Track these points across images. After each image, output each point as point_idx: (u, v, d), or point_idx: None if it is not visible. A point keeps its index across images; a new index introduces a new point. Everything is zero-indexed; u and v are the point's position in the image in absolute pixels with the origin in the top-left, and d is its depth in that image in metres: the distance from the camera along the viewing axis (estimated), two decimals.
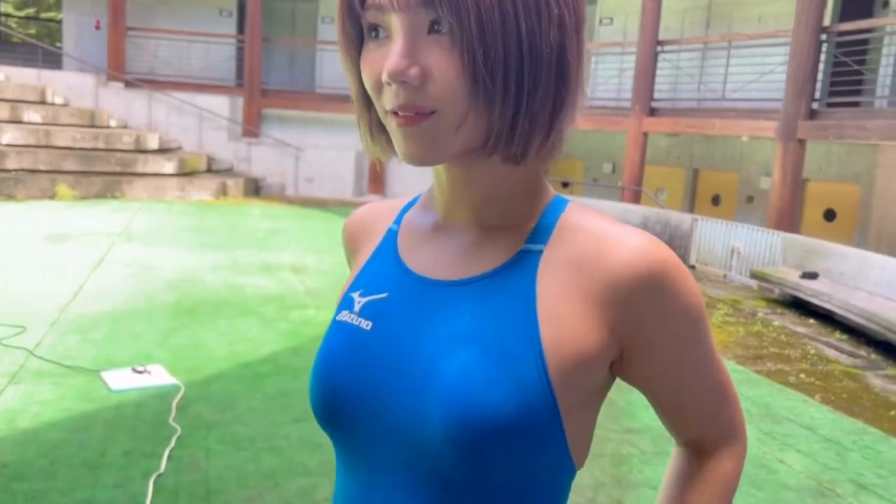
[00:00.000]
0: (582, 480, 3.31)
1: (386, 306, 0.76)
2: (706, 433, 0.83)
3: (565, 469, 0.73)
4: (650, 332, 0.71)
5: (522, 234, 0.74)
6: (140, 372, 4.14)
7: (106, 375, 4.09)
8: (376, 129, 0.73)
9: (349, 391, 0.73)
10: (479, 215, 0.75)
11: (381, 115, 0.69)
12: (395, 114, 0.66)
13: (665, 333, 0.72)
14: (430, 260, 0.76)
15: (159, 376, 4.12)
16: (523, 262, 0.72)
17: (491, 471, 0.68)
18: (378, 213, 0.86)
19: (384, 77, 0.64)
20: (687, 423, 0.82)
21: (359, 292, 0.79)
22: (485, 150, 0.69)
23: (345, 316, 0.78)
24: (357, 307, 0.77)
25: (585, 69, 0.72)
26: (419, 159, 0.68)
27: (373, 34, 0.67)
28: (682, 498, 0.82)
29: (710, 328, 0.78)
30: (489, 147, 0.68)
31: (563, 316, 0.70)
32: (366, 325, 0.75)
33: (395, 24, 0.64)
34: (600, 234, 0.71)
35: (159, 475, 3.07)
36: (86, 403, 3.77)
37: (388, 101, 0.66)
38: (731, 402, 0.83)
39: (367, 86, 0.69)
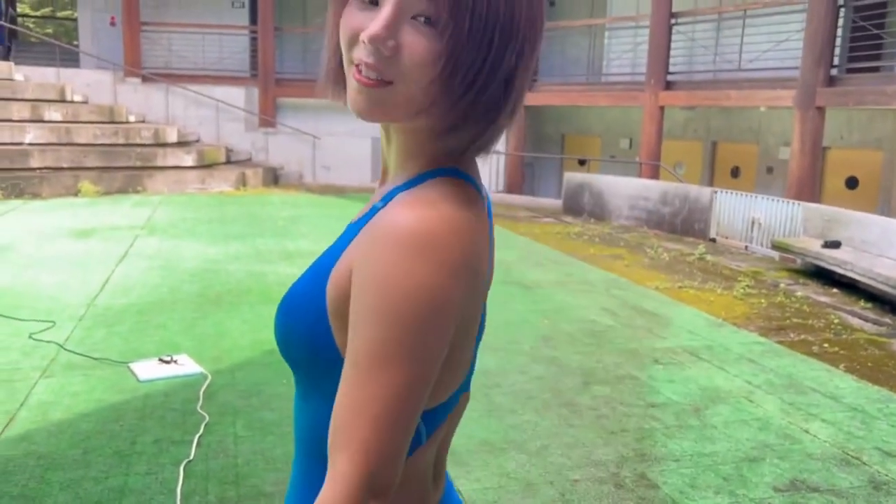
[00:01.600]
0: (605, 455, 3.34)
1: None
2: (330, 428, 0.74)
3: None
4: (355, 286, 0.74)
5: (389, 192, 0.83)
6: (167, 362, 4.22)
7: (134, 366, 4.18)
8: (334, 74, 0.83)
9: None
10: (395, 166, 0.84)
11: (345, 62, 0.78)
12: (359, 69, 0.75)
13: (357, 293, 0.73)
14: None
15: (186, 365, 4.20)
16: (368, 216, 0.81)
17: (299, 356, 0.83)
18: None
19: (364, 36, 0.73)
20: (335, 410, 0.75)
21: None
22: (432, 133, 0.78)
23: None
24: None
25: (526, 92, 0.80)
26: (361, 114, 0.77)
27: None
28: None
29: (409, 327, 0.69)
30: (437, 134, 0.78)
31: (344, 259, 0.79)
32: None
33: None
34: (408, 201, 0.75)
35: (189, 461, 3.15)
36: (115, 394, 3.86)
37: (356, 55, 0.75)
38: (363, 419, 0.70)
39: (343, 35, 0.77)
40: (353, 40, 0.75)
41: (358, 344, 0.71)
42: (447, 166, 0.80)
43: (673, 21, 11.75)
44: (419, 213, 0.72)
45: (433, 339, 0.71)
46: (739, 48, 11.19)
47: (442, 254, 0.71)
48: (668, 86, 11.77)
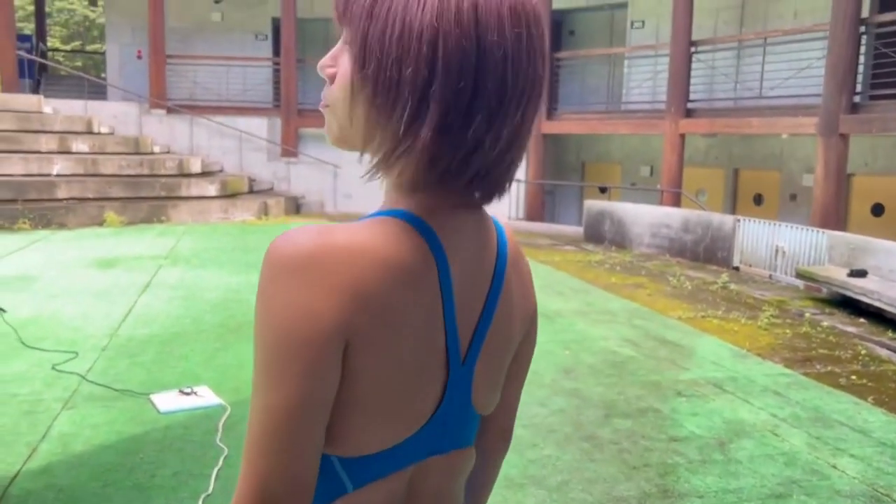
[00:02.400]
0: (627, 491, 3.28)
1: None
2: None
3: None
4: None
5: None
6: (187, 393, 4.23)
7: (155, 398, 4.20)
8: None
9: None
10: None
11: None
12: None
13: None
14: None
15: (206, 397, 4.21)
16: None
17: None
18: None
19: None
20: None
21: None
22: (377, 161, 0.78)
23: None
24: None
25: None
26: (327, 137, 0.83)
27: None
28: None
29: (277, 347, 0.70)
30: (382, 171, 0.78)
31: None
32: None
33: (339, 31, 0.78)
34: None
35: (208, 495, 3.14)
36: (136, 426, 3.87)
37: None
38: (250, 443, 0.73)
39: None
40: None
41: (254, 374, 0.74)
42: (398, 208, 0.78)
43: (693, 49, 11.77)
44: (300, 236, 0.71)
45: (302, 359, 0.69)
46: (760, 75, 11.17)
47: (314, 274, 0.69)
48: (689, 113, 11.75)
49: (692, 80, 11.85)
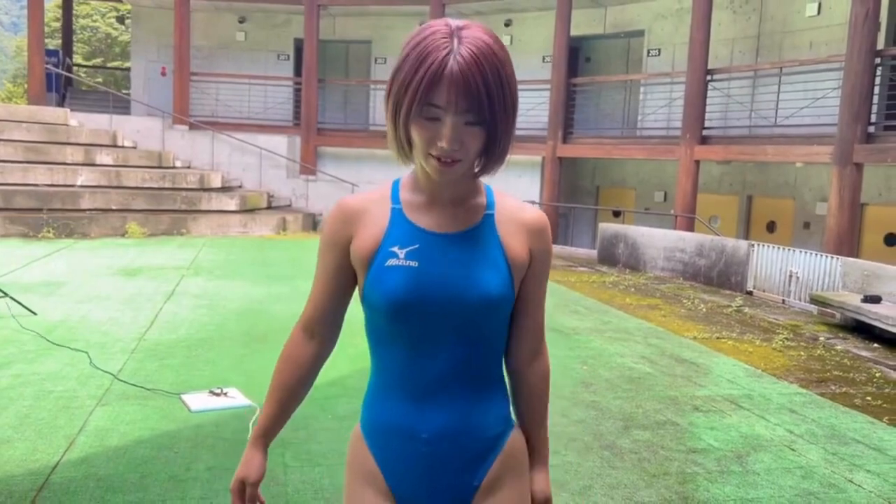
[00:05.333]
0: (648, 497, 3.37)
1: (420, 251, 1.31)
2: (535, 347, 1.43)
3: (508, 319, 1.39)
4: (540, 255, 1.37)
5: (481, 204, 1.35)
6: (217, 394, 4.36)
7: (186, 398, 4.32)
8: (404, 152, 1.29)
9: (420, 297, 1.29)
10: (456, 197, 1.33)
11: (423, 153, 1.24)
12: (438, 159, 1.23)
13: (543, 260, 1.38)
14: (433, 223, 1.32)
15: (236, 398, 4.33)
16: (487, 220, 1.34)
17: (492, 319, 1.33)
18: (364, 202, 1.37)
19: (442, 144, 1.20)
20: (530, 334, 1.42)
21: (396, 247, 1.31)
22: (476, 177, 1.33)
23: (394, 262, 1.30)
24: (402, 255, 1.30)
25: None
26: (446, 179, 1.27)
27: (428, 117, 1.20)
28: (539, 403, 1.47)
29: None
30: (476, 174, 1.32)
31: (512, 244, 1.34)
32: (413, 264, 1.30)
33: (449, 119, 1.19)
34: (516, 203, 1.39)
35: None
36: (169, 423, 3.99)
37: (433, 151, 1.22)
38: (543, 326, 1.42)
39: (420, 140, 1.22)
40: (431, 143, 1.21)
41: (546, 284, 1.44)
42: (483, 183, 1.39)
43: (709, 78, 11.94)
44: (535, 207, 1.42)
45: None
46: (776, 104, 11.31)
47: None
48: (704, 140, 11.90)
49: (707, 108, 12.01)
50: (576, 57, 15.74)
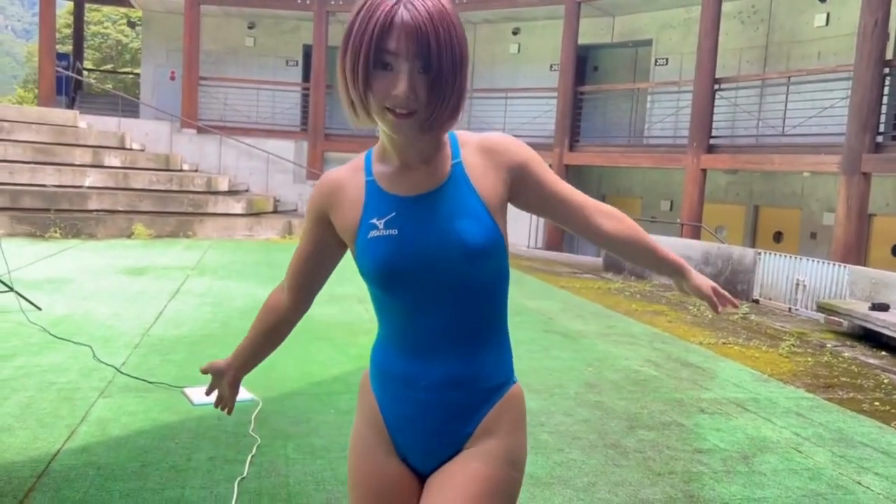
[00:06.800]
0: (653, 495, 3.33)
1: (398, 218, 1.33)
2: (605, 212, 1.46)
3: (507, 269, 1.39)
4: (523, 170, 1.38)
5: (447, 156, 1.35)
6: None
7: (188, 391, 4.30)
8: (363, 111, 1.27)
9: (405, 263, 1.31)
10: (422, 156, 1.33)
11: (378, 108, 1.23)
12: (393, 112, 1.22)
13: (532, 170, 1.39)
14: (405, 187, 1.34)
15: (238, 392, 4.30)
16: (456, 170, 1.34)
17: (483, 270, 1.33)
18: (343, 177, 1.41)
19: (395, 93, 1.20)
20: (585, 210, 1.43)
21: (375, 218, 1.34)
22: (431, 131, 1.27)
23: (375, 233, 1.33)
24: (381, 226, 1.33)
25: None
26: (403, 134, 1.26)
27: (382, 67, 1.21)
28: (645, 241, 1.50)
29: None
30: (434, 130, 1.27)
31: (486, 185, 1.34)
32: (393, 232, 1.32)
33: (402, 65, 1.20)
34: (476, 138, 1.37)
35: (242, 478, 3.22)
36: (170, 415, 3.97)
37: (389, 101, 1.22)
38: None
39: (375, 93, 1.22)
40: (386, 95, 1.21)
41: (552, 175, 1.46)
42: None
43: (716, 87, 11.93)
44: (498, 133, 1.40)
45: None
46: (783, 114, 11.29)
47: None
48: (711, 149, 11.88)
49: (715, 117, 12.00)
50: (583, 65, 15.76)
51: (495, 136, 1.38)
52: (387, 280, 1.32)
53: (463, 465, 1.35)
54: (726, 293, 1.59)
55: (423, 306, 1.34)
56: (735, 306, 1.60)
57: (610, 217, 1.47)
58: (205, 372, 1.67)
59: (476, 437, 1.37)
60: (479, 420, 1.37)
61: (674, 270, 1.57)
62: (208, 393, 1.73)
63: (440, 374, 1.36)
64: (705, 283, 1.57)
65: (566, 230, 1.54)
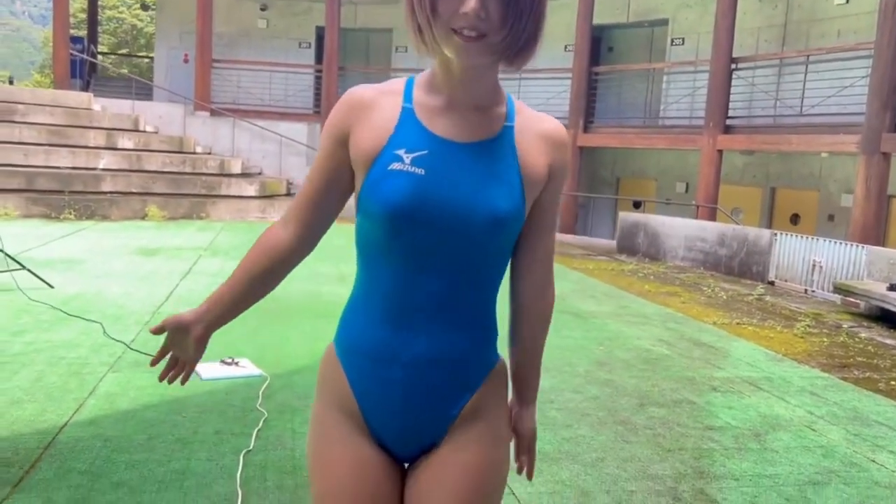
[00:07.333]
0: (662, 470, 3.28)
1: (428, 159, 1.19)
2: (544, 278, 1.34)
3: (511, 250, 1.30)
4: (559, 171, 1.28)
5: (501, 114, 1.24)
6: (228, 363, 4.33)
7: (197, 366, 4.28)
8: (430, 37, 1.15)
9: (424, 211, 1.18)
10: (475, 100, 1.22)
11: (444, 30, 1.12)
12: (461, 34, 1.11)
13: (562, 176, 1.29)
14: (447, 129, 1.21)
15: (247, 368, 4.31)
16: (505, 133, 1.23)
17: (496, 241, 1.22)
18: (373, 96, 1.24)
19: (465, 10, 1.08)
20: (539, 263, 1.32)
21: (403, 150, 1.19)
22: (503, 59, 1.16)
23: (398, 166, 1.18)
24: (407, 160, 1.18)
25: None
26: (470, 61, 1.15)
27: None
28: (536, 338, 1.39)
29: None
30: (506, 58, 1.16)
31: (530, 161, 1.24)
32: (419, 171, 1.18)
33: None
34: (536, 114, 1.28)
35: (248, 451, 3.21)
36: (179, 390, 3.95)
37: (457, 22, 1.10)
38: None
39: (442, 12, 1.11)
40: (454, 14, 1.10)
41: (559, 199, 1.36)
42: (505, 90, 1.29)
43: (733, 66, 11.75)
44: (554, 119, 1.31)
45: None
46: (801, 93, 11.11)
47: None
48: (727, 129, 11.72)
49: (731, 97, 11.83)
50: (598, 46, 15.58)
51: (557, 125, 1.28)
52: (394, 223, 1.17)
53: (453, 455, 1.26)
54: (534, 460, 1.45)
55: (423, 265, 1.21)
56: (528, 478, 1.46)
57: (538, 288, 1.34)
58: (158, 331, 1.38)
59: (462, 419, 1.27)
60: (463, 403, 1.27)
61: (520, 391, 1.43)
62: (161, 357, 1.43)
63: (425, 349, 1.23)
64: (530, 430, 1.44)
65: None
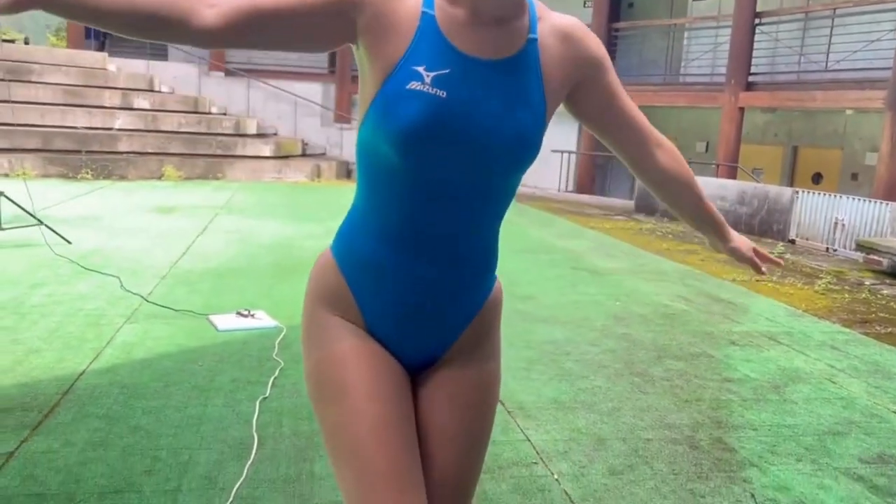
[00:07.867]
0: (679, 420, 3.26)
1: (451, 78, 1.09)
2: (655, 138, 1.33)
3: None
4: (590, 61, 1.22)
5: (524, 27, 1.15)
6: (245, 315, 4.34)
7: (213, 318, 4.31)
8: None
9: (441, 136, 1.09)
10: (500, 12, 1.12)
11: None
12: None
13: (607, 71, 1.24)
14: (471, 43, 1.11)
15: (263, 319, 4.31)
16: (530, 47, 1.15)
17: (519, 166, 1.17)
18: None
19: None
20: (643, 133, 1.31)
21: (423, 67, 1.08)
22: None
23: (417, 86, 1.08)
24: (428, 80, 1.08)
25: None
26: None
27: None
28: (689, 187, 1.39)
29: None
30: None
31: (554, 76, 1.18)
32: (440, 93, 1.08)
33: None
34: (558, 18, 1.20)
35: (265, 398, 3.22)
36: (195, 340, 3.99)
37: None
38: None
39: None
40: None
41: (620, 85, 1.32)
42: None
43: (757, 21, 11.46)
44: (578, 20, 1.24)
45: None
46: (827, 48, 10.82)
47: None
48: (750, 86, 11.47)
49: (754, 53, 11.55)
50: (618, 2, 15.24)
51: (574, 21, 1.20)
52: (410, 149, 1.08)
53: (461, 371, 1.27)
54: (767, 254, 1.48)
55: (440, 194, 1.13)
56: (778, 265, 1.49)
57: (666, 151, 1.34)
58: None
59: (465, 337, 1.27)
60: (466, 323, 1.27)
61: (713, 227, 1.45)
62: None
63: (434, 274, 1.19)
64: (745, 244, 1.47)
65: (614, 151, 1.35)
